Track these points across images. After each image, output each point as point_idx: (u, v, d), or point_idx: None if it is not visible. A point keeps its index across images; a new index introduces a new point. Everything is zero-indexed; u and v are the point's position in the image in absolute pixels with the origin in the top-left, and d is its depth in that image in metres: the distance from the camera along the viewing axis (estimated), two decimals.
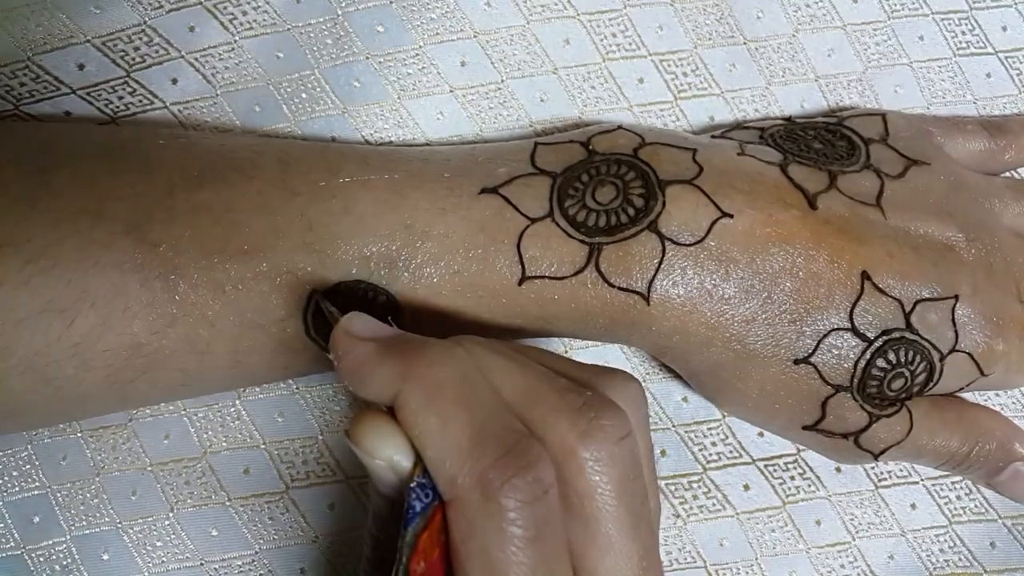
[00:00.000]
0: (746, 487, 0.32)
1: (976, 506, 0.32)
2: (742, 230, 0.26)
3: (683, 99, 0.32)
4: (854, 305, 0.27)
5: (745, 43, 0.32)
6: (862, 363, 0.27)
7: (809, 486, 0.32)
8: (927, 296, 0.27)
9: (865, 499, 0.32)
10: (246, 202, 0.25)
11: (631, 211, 0.26)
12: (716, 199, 0.26)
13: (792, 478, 0.32)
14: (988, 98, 0.34)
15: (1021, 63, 0.34)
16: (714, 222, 0.26)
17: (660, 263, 0.26)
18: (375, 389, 0.22)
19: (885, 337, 0.27)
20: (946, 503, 0.32)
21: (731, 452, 0.32)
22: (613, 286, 0.26)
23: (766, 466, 0.32)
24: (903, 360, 0.27)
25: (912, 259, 0.27)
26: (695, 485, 0.31)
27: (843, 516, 0.32)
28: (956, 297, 0.28)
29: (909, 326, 0.27)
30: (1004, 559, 0.32)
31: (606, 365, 0.25)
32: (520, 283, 0.26)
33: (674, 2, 0.32)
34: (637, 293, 0.26)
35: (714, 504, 0.31)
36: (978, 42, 0.33)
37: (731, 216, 0.26)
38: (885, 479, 0.32)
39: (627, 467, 0.22)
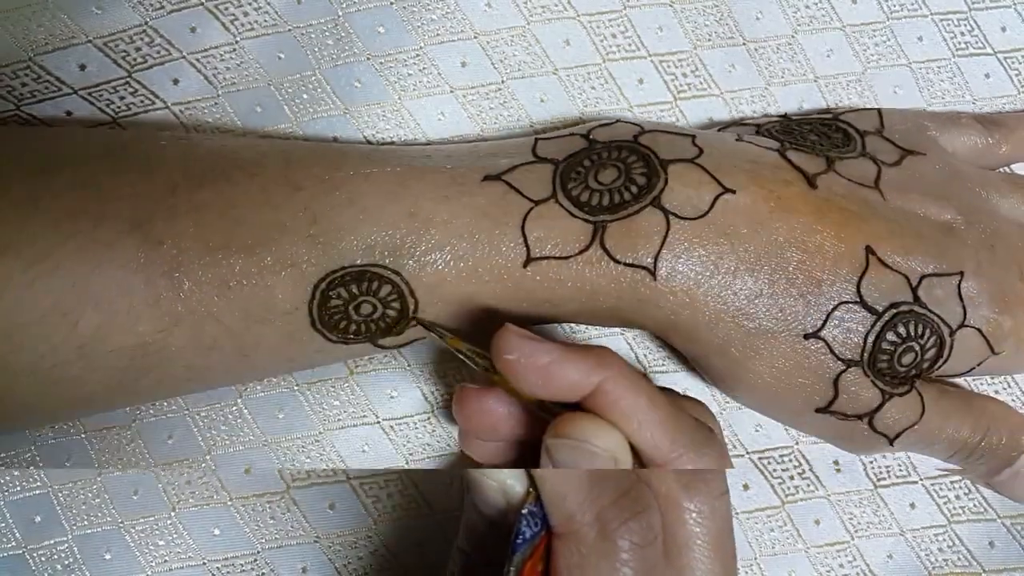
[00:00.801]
0: (745, 487, 0.32)
1: (975, 506, 0.32)
2: (745, 205, 0.26)
3: (683, 100, 0.32)
4: (861, 278, 0.27)
5: (744, 44, 0.32)
6: (871, 336, 0.27)
7: (808, 486, 0.32)
8: (932, 271, 0.27)
9: (864, 498, 0.32)
10: (249, 199, 0.25)
11: (634, 188, 0.26)
12: (718, 176, 0.26)
13: (791, 477, 0.32)
14: (987, 98, 0.34)
15: (1020, 63, 0.34)
16: (717, 197, 0.26)
17: (665, 237, 0.26)
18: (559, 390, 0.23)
19: (894, 310, 0.27)
20: (945, 502, 0.32)
21: (730, 451, 0.32)
22: (619, 262, 0.26)
23: (759, 459, 0.32)
24: (913, 334, 0.27)
25: (914, 236, 0.27)
26: None
27: (842, 516, 0.32)
28: (961, 274, 0.28)
29: (917, 300, 0.27)
30: (1003, 559, 0.32)
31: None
32: (525, 265, 0.26)
33: (674, 3, 0.32)
34: (643, 268, 0.26)
35: None
36: (977, 43, 0.34)
37: (733, 192, 0.26)
38: (884, 478, 0.32)
39: (724, 522, 0.23)
